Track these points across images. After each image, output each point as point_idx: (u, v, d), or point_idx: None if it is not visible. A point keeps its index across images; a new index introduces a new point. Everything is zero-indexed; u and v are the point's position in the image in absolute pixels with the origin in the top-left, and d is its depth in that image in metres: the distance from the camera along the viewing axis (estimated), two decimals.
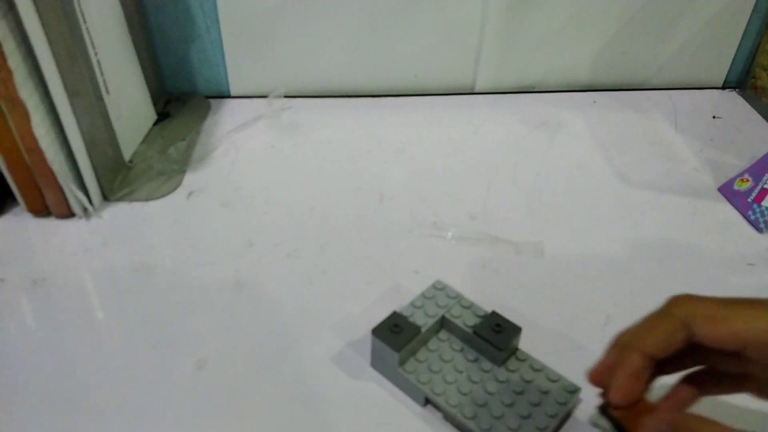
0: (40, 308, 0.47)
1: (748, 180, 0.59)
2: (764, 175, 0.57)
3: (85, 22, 0.53)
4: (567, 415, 0.40)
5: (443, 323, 0.43)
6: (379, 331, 0.41)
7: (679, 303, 0.32)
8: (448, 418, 0.40)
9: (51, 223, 0.55)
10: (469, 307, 0.43)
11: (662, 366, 0.32)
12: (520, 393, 0.39)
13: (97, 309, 0.48)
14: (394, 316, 0.42)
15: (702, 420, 0.30)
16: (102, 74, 0.56)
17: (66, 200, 0.54)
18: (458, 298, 0.44)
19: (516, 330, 0.41)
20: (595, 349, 0.45)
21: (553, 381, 0.40)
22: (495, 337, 0.40)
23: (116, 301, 0.48)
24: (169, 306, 0.48)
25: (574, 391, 0.39)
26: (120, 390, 0.42)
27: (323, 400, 0.41)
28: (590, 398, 0.41)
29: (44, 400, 0.41)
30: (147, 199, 0.58)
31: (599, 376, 0.33)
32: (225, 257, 0.52)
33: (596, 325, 0.46)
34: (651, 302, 0.49)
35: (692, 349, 0.31)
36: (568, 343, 0.43)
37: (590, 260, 0.52)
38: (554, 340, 0.44)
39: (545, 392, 0.39)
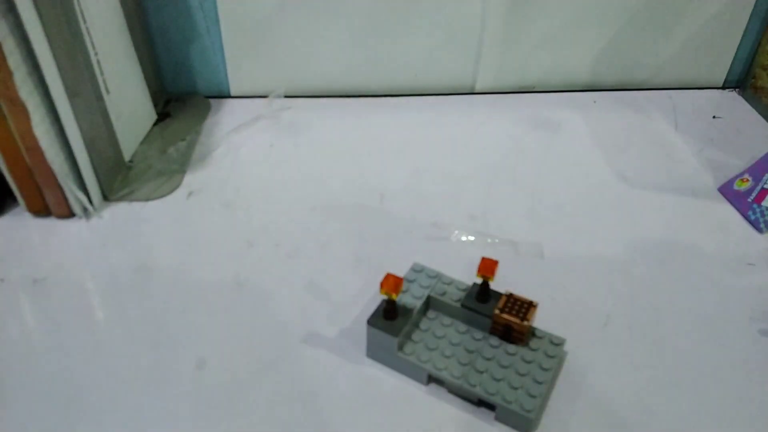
0: (40, 308, 0.47)
1: (748, 180, 0.59)
2: (764, 175, 0.57)
3: (85, 22, 0.53)
4: (559, 366, 0.43)
5: (429, 303, 0.45)
6: (374, 321, 0.42)
7: None
8: (453, 389, 0.41)
9: (51, 223, 0.55)
10: (451, 283, 0.46)
11: None
12: (514, 354, 0.42)
13: (97, 309, 0.48)
14: (384, 303, 0.43)
15: None
16: (102, 74, 0.56)
17: (66, 200, 0.54)
18: (438, 276, 0.46)
19: (499, 297, 0.43)
20: (595, 349, 0.45)
21: (540, 338, 0.43)
22: (482, 306, 0.43)
23: (116, 301, 0.48)
24: (169, 306, 0.48)
25: (559, 343, 0.42)
26: (120, 390, 0.42)
27: (326, 398, 0.41)
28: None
29: (44, 400, 0.41)
30: (147, 199, 0.58)
31: None
32: (225, 257, 0.52)
33: (596, 325, 0.46)
34: (651, 302, 0.49)
35: None
36: (568, 342, 0.43)
37: (590, 260, 0.52)
38: None
39: (535, 349, 0.42)
